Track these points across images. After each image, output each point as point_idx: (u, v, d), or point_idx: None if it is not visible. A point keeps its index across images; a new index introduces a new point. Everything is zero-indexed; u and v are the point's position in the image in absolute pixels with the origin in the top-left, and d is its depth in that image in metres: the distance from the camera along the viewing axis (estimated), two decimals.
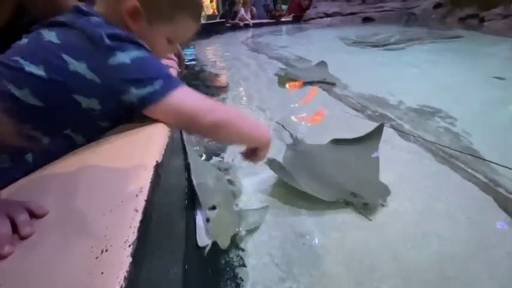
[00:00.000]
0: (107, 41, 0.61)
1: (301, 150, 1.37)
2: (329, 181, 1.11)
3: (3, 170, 0.59)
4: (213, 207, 0.85)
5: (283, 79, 2.67)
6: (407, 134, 1.55)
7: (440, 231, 0.92)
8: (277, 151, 1.37)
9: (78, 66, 0.60)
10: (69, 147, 0.67)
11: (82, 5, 0.69)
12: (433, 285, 0.76)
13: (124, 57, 0.61)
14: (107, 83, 0.62)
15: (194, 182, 0.90)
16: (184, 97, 0.67)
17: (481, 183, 1.14)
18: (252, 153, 0.83)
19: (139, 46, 0.65)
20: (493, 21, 5.44)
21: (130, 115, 0.84)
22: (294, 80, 2.59)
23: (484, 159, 1.28)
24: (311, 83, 2.48)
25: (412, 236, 0.91)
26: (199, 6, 0.80)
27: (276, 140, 1.52)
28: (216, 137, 0.73)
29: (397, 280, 0.77)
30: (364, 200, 1.02)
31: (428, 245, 0.87)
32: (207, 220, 0.81)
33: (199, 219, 0.83)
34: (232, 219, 0.90)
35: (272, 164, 1.14)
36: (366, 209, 1.01)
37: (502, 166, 1.20)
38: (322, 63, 2.96)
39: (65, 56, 0.60)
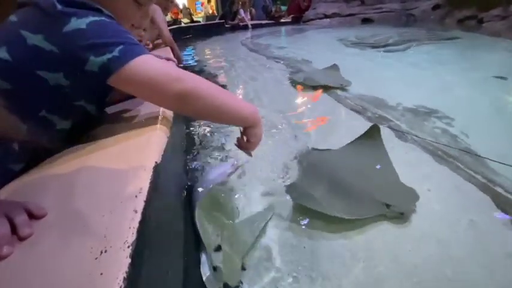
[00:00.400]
0: (59, 6, 0.57)
1: (312, 162, 1.26)
2: (356, 196, 1.01)
3: None
4: (218, 248, 0.75)
5: (301, 84, 2.50)
6: (405, 133, 1.55)
7: (440, 232, 0.92)
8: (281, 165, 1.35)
9: (35, 39, 0.58)
10: (49, 131, 0.65)
11: None
12: (432, 285, 0.76)
13: (79, 22, 0.57)
14: (66, 52, 0.58)
15: (197, 224, 0.79)
16: (148, 64, 0.60)
17: (479, 183, 1.14)
18: (244, 141, 0.75)
19: (98, 11, 0.61)
20: (492, 22, 5.46)
21: (107, 93, 0.80)
22: (313, 86, 2.40)
23: (479, 156, 1.28)
24: (326, 87, 2.36)
25: (412, 237, 0.91)
26: None
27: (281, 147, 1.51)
28: (186, 109, 0.65)
29: (396, 281, 0.77)
30: (399, 209, 0.95)
31: (428, 247, 0.88)
32: (214, 269, 0.72)
33: (204, 262, 0.74)
34: (238, 251, 0.81)
35: (293, 191, 1.02)
36: (401, 218, 0.95)
37: (498, 162, 1.21)
38: (334, 67, 2.84)
39: (23, 32, 0.58)
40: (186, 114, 0.69)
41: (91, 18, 0.58)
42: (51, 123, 0.65)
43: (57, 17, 0.57)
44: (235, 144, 0.81)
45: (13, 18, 0.62)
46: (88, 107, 0.69)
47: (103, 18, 0.61)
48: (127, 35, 0.62)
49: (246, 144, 0.77)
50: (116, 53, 0.57)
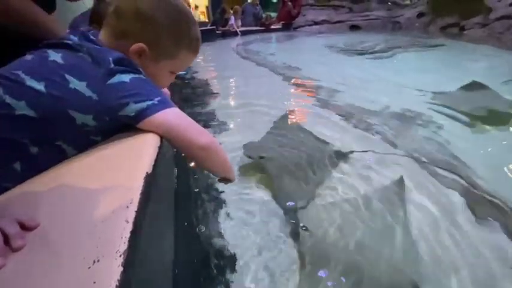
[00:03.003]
0: (112, 65, 0.66)
1: None
2: None
3: None
4: None
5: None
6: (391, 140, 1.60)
7: (424, 235, 0.96)
8: None
9: (78, 85, 0.63)
10: (59, 158, 0.68)
11: (89, 32, 0.74)
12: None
13: (123, 77, 0.66)
14: (104, 100, 0.65)
15: None
16: (179, 116, 0.72)
17: (459, 188, 1.19)
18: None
19: (139, 71, 0.71)
20: (473, 30, 5.70)
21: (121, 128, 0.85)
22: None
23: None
24: None
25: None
26: (197, 40, 0.85)
27: None
28: (202, 156, 0.77)
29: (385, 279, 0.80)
30: None
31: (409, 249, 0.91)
32: None
33: None
34: None
35: None
36: None
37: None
38: (478, 85, 2.21)
39: (67, 76, 0.63)
40: (200, 161, 0.80)
41: (132, 75, 0.68)
42: (63, 152, 0.68)
43: (106, 73, 0.65)
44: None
45: (58, 59, 0.66)
46: (100, 140, 0.73)
47: (142, 76, 0.71)
48: (161, 91, 0.74)
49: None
50: (155, 101, 0.68)
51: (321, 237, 0.93)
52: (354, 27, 8.12)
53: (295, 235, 0.96)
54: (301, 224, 0.99)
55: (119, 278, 0.35)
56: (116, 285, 0.34)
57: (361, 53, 4.35)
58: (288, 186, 1.18)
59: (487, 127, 1.74)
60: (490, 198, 1.12)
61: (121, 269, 0.36)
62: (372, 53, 4.32)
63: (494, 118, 1.83)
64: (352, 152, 1.47)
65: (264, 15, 9.06)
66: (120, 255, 0.38)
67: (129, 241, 0.41)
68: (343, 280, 0.79)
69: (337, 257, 0.85)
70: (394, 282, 0.79)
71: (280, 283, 0.81)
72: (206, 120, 2.00)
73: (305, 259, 0.85)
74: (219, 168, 0.85)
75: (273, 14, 9.59)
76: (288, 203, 1.10)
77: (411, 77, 3.00)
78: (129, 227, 0.43)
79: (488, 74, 3.03)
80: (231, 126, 1.91)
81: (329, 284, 0.78)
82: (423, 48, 4.53)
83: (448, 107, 2.05)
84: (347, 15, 8.50)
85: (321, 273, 0.81)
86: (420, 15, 7.15)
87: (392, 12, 7.94)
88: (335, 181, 1.26)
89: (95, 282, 0.34)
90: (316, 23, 8.62)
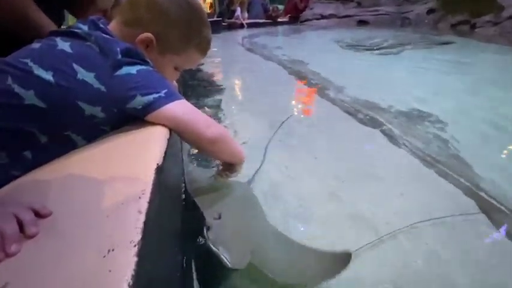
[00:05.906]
0: (119, 56, 0.65)
1: None
2: None
3: (1, 166, 0.60)
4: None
5: None
6: (396, 138, 1.59)
7: (426, 235, 0.96)
8: None
9: (86, 76, 0.63)
10: (69, 147, 0.68)
11: (99, 20, 0.73)
12: (415, 285, 0.80)
13: (130, 69, 0.66)
14: (112, 92, 0.65)
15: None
16: (187, 108, 0.72)
17: (464, 188, 1.19)
18: (229, 169, 0.90)
19: (146, 62, 0.71)
20: (484, 28, 5.59)
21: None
22: None
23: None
24: None
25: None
26: (208, 42, 0.87)
27: None
28: (212, 149, 0.77)
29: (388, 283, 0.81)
30: None
31: (415, 249, 0.91)
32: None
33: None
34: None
35: None
36: None
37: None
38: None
39: (75, 66, 0.63)
40: (210, 153, 0.81)
41: (139, 67, 0.68)
42: (73, 142, 0.68)
43: (114, 63, 0.65)
44: (219, 175, 0.94)
45: (65, 47, 0.65)
46: (109, 130, 0.73)
47: (149, 67, 0.71)
48: (168, 83, 0.73)
49: (231, 171, 0.91)
50: (162, 94, 0.67)
51: None
52: (362, 23, 7.99)
53: None
54: None
55: (134, 267, 0.35)
56: (132, 275, 0.34)
57: (369, 48, 4.29)
58: None
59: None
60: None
61: (135, 258, 0.36)
62: (379, 48, 4.26)
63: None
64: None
65: (270, 8, 8.95)
66: (135, 245, 0.38)
67: (143, 231, 0.41)
68: None
69: None
70: None
71: None
72: (211, 114, 2.00)
73: None
74: (229, 157, 0.86)
75: (280, 7, 9.47)
76: None
77: (419, 74, 2.97)
78: (142, 217, 0.43)
79: (498, 72, 2.98)
80: (235, 121, 1.91)
81: None
82: (433, 46, 4.44)
83: (455, 105, 2.04)
84: (355, 9, 8.35)
85: None
86: (430, 11, 7.01)
87: (402, 7, 7.78)
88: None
89: (110, 271, 0.35)
90: (323, 17, 8.49)
